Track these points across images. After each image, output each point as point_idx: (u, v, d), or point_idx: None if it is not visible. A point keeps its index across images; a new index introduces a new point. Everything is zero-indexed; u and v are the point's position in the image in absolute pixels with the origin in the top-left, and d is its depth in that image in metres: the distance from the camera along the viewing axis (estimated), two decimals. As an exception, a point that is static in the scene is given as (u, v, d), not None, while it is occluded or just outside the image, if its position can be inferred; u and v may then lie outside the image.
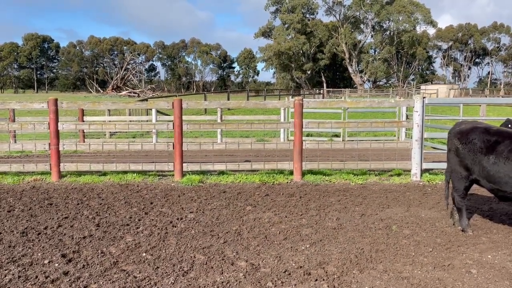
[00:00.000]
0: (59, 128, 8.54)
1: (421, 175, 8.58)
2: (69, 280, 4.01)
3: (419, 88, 61.70)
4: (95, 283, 3.97)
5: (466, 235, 5.28)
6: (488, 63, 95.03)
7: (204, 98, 33.71)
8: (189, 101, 9.54)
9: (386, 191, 7.59)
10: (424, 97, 8.75)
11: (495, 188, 5.02)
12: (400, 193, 7.45)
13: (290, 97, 25.03)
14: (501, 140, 4.96)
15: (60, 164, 8.60)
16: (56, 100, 8.56)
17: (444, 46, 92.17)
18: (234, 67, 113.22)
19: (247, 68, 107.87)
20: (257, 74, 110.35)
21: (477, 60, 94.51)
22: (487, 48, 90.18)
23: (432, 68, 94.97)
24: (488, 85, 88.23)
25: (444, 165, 9.30)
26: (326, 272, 4.21)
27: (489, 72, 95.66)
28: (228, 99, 34.71)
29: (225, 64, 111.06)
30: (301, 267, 4.33)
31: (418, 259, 4.54)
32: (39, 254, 4.64)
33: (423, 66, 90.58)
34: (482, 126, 5.32)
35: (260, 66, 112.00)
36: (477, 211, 6.31)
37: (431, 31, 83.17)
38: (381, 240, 5.08)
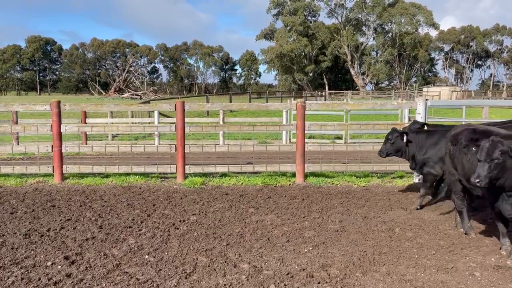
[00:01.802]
0: (61, 130, 8.56)
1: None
2: (72, 282, 4.01)
3: (421, 90, 61.66)
4: (97, 285, 3.97)
5: (469, 237, 5.26)
6: (490, 65, 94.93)
7: (206, 100, 33.72)
8: (192, 103, 9.54)
9: (389, 194, 7.57)
10: (426, 99, 8.74)
11: (469, 187, 5.04)
12: (403, 196, 7.43)
13: (292, 99, 25.04)
14: (482, 138, 4.95)
15: (63, 166, 8.61)
16: (59, 102, 8.58)
17: (446, 48, 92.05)
18: (236, 69, 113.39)
19: (249, 70, 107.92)
20: (259, 76, 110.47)
21: (479, 62, 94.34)
22: (489, 50, 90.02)
23: (434, 70, 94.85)
24: (491, 87, 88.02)
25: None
26: (329, 275, 4.20)
27: (491, 74, 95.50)
28: (230, 101, 34.74)
29: (227, 66, 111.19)
30: (304, 269, 4.32)
31: (421, 262, 4.52)
32: (42, 256, 4.64)
33: (425, 68, 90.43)
34: (474, 127, 5.30)
35: (262, 68, 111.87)
36: (480, 213, 6.29)
37: (433, 33, 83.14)
38: (384, 243, 5.07)
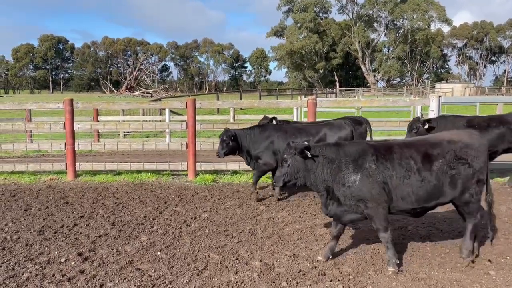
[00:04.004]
0: (74, 128, 8.64)
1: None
2: (85, 278, 4.05)
3: (434, 86, 60.87)
4: (110, 281, 4.00)
5: (483, 235, 5.18)
6: (504, 61, 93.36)
7: (217, 98, 33.78)
8: (202, 101, 9.56)
9: (401, 191, 7.49)
10: (440, 96, 8.63)
11: None
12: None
13: (302, 96, 24.88)
14: None
15: (76, 163, 8.70)
16: (71, 100, 8.66)
17: (459, 44, 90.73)
18: (246, 67, 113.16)
19: (259, 68, 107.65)
20: (269, 74, 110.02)
21: (493, 58, 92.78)
22: (503, 46, 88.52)
23: (447, 66, 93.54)
24: (505, 83, 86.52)
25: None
26: (341, 273, 4.18)
27: (505, 70, 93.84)
28: (241, 99, 34.74)
29: (237, 64, 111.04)
30: (315, 267, 4.31)
31: (435, 260, 4.47)
32: (56, 252, 4.69)
33: (438, 65, 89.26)
34: None
35: (272, 65, 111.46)
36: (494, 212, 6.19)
37: (446, 29, 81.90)
38: (397, 241, 5.01)
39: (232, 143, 6.78)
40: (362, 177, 4.12)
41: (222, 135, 6.86)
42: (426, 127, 7.12)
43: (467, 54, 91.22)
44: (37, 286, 3.91)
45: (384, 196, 4.12)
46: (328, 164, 4.24)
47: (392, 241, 4.22)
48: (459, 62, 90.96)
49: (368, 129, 7.51)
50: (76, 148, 8.79)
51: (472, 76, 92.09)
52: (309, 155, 4.22)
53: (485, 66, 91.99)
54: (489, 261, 4.44)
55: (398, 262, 4.23)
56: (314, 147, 4.41)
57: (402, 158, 4.16)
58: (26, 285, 3.92)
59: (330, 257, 4.45)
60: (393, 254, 4.20)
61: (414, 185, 4.12)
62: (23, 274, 4.14)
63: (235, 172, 9.01)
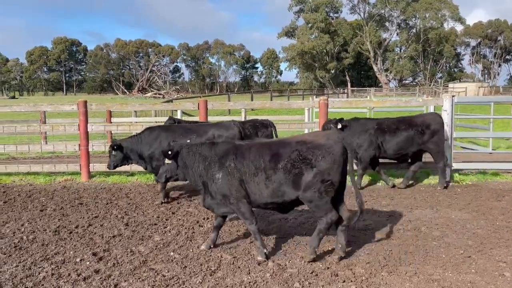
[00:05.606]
0: (88, 130, 8.75)
1: (450, 176, 8.37)
2: (100, 278, 4.11)
3: (447, 86, 60.13)
4: (125, 281, 4.05)
5: (498, 237, 5.13)
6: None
7: (228, 99, 33.87)
8: (214, 102, 9.62)
9: (414, 192, 7.45)
10: (453, 96, 8.54)
11: None
12: (429, 194, 7.30)
13: (314, 97, 24.80)
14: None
15: (90, 164, 8.80)
16: (85, 102, 8.77)
17: (473, 43, 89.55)
18: (257, 68, 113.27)
19: (270, 68, 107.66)
20: (280, 74, 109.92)
21: (507, 57, 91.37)
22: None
23: (460, 65, 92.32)
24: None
25: (475, 165, 9.04)
26: (354, 274, 4.17)
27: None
28: (252, 100, 34.78)
29: (248, 65, 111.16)
30: (328, 268, 4.30)
31: (449, 262, 4.44)
32: (71, 252, 4.76)
33: (451, 64, 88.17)
34: None
35: (283, 66, 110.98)
36: (506, 212, 6.12)
37: (459, 27, 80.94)
38: (410, 242, 5.00)
39: (118, 154, 6.84)
40: (224, 175, 4.51)
41: (109, 147, 6.94)
42: (339, 127, 7.42)
43: (481, 53, 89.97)
44: (53, 285, 3.98)
45: (242, 192, 4.48)
46: (203, 161, 4.64)
47: (259, 232, 4.55)
48: (472, 61, 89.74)
49: (273, 132, 7.84)
50: (90, 149, 8.90)
51: (486, 75, 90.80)
52: (171, 157, 4.70)
53: (499, 65, 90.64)
54: (504, 262, 4.40)
55: (266, 252, 4.52)
56: (192, 145, 4.78)
57: (255, 157, 4.46)
58: (43, 284, 3.99)
59: (212, 247, 4.81)
60: (260, 245, 4.51)
61: (261, 182, 4.41)
62: (39, 273, 4.22)
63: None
